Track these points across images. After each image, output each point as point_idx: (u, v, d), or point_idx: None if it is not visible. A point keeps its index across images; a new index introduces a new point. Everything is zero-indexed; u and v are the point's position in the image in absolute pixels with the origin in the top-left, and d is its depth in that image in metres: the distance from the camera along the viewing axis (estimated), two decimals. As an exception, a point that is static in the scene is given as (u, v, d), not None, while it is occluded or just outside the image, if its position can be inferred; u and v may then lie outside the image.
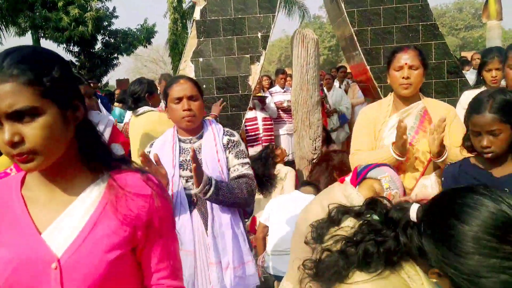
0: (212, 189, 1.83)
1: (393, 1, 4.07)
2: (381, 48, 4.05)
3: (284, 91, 6.31)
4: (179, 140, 2.04)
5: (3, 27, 14.72)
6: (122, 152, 2.82)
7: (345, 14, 4.07)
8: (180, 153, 2.01)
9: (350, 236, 1.01)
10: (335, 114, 6.39)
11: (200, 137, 2.02)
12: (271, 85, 6.69)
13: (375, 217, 1.04)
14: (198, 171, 1.79)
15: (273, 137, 6.14)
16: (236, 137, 2.06)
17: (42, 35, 15.30)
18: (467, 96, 3.10)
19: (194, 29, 3.88)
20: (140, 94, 3.27)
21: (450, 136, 2.11)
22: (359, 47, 4.04)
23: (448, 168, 1.86)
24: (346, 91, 6.89)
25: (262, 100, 5.94)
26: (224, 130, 2.07)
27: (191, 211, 1.95)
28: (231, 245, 1.94)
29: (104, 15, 15.18)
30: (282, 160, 4.26)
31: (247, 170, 2.00)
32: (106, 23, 15.64)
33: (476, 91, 3.13)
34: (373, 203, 1.08)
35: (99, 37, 15.94)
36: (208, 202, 1.93)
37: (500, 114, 1.57)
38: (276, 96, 6.27)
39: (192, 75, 3.89)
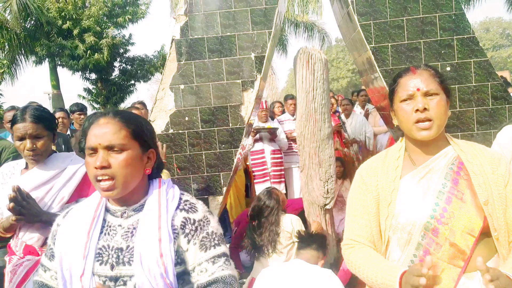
0: None
1: (419, 11, 3.29)
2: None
3: (295, 119, 5.61)
4: (106, 210, 1.31)
5: (22, 56, 14.80)
6: None
7: (359, 28, 3.32)
8: (102, 233, 1.27)
9: None
10: (354, 144, 5.61)
11: (140, 209, 1.28)
12: (283, 112, 5.99)
13: None
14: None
15: (283, 172, 5.39)
16: (200, 213, 1.28)
17: (59, 63, 15.28)
18: (507, 133, 2.26)
19: (174, 50, 3.21)
20: None
21: (507, 209, 1.33)
22: (377, 67, 3.26)
23: None
24: (366, 117, 6.09)
25: (273, 132, 5.24)
26: (181, 199, 1.30)
27: None
28: None
29: (120, 42, 15.01)
30: (284, 207, 3.46)
31: (222, 270, 1.24)
32: (122, 50, 15.49)
33: None
34: None
35: (116, 64, 15.79)
36: None
37: None
38: (286, 125, 5.56)
39: (171, 106, 3.19)
